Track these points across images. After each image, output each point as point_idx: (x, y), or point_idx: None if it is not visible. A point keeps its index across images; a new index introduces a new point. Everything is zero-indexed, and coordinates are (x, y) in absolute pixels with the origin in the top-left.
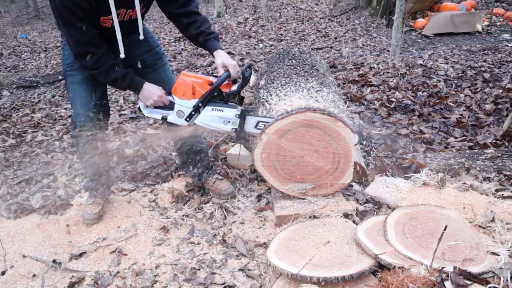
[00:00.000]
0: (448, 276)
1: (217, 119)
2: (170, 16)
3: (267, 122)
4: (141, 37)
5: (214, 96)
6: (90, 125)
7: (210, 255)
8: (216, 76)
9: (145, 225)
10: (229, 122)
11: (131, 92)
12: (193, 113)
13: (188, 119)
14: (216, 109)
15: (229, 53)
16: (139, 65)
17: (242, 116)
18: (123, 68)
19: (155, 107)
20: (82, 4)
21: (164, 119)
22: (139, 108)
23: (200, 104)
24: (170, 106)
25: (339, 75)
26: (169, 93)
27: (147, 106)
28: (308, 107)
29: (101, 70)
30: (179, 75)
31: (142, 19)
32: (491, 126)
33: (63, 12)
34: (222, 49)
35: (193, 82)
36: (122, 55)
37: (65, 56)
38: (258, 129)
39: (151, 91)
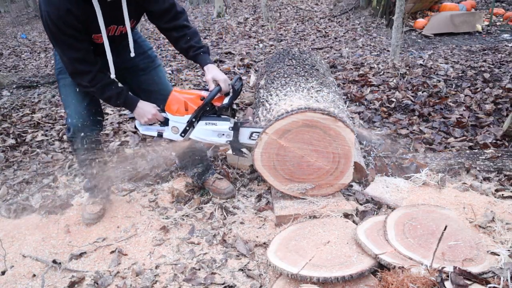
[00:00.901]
0: (448, 276)
1: (211, 133)
2: (161, 30)
3: (259, 133)
4: (132, 54)
5: (207, 111)
6: (84, 127)
7: (210, 255)
8: (207, 90)
9: (145, 225)
10: (223, 134)
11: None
12: (187, 128)
13: (183, 135)
14: (209, 123)
15: (229, 53)
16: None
17: (236, 128)
18: (118, 86)
19: (150, 124)
20: (74, 24)
21: (160, 135)
22: (135, 126)
23: (194, 119)
24: (165, 122)
25: (339, 75)
26: (162, 109)
27: (142, 124)
28: (308, 107)
29: (96, 88)
30: (171, 92)
31: (132, 31)
32: (491, 126)
33: (55, 32)
34: (212, 63)
35: (185, 98)
36: (112, 75)
37: (57, 60)
38: (253, 139)
39: (145, 109)
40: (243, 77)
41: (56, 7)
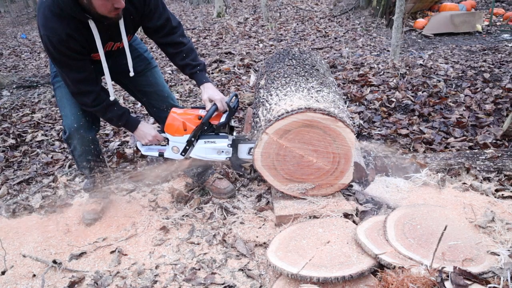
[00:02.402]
0: (448, 276)
1: (211, 151)
2: (157, 44)
3: None
4: (131, 74)
5: (205, 129)
6: (79, 128)
7: (210, 255)
8: (204, 108)
9: (145, 225)
10: (222, 152)
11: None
12: (187, 147)
13: (183, 154)
14: (208, 141)
15: (229, 53)
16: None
17: (234, 145)
18: (120, 107)
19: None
20: (75, 47)
21: (161, 155)
22: (136, 147)
23: (193, 139)
24: (165, 141)
25: (339, 75)
26: (162, 129)
27: (143, 145)
28: (309, 107)
29: (99, 108)
30: (170, 113)
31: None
32: (491, 126)
33: (56, 55)
34: (209, 81)
35: (183, 119)
36: (111, 98)
37: (52, 65)
38: (251, 154)
39: (146, 131)
40: (243, 77)
41: (56, 32)
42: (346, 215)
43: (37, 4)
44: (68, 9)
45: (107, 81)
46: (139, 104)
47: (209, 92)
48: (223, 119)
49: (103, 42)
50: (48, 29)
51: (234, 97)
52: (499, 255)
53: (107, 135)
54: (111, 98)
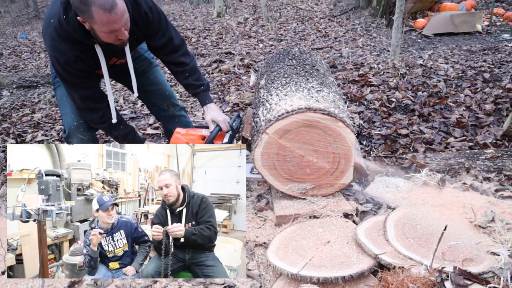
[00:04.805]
0: (448, 276)
1: None
2: (161, 60)
3: None
4: (136, 95)
5: None
6: (79, 127)
7: None
8: (207, 127)
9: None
10: None
11: (131, 92)
12: None
13: None
14: None
15: (229, 53)
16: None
17: None
18: (126, 126)
19: None
20: (83, 67)
21: None
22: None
23: None
24: None
25: (339, 75)
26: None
27: None
28: (309, 107)
29: (106, 125)
30: (174, 133)
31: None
32: (491, 126)
33: (65, 75)
34: (212, 102)
35: (187, 139)
36: (114, 120)
37: (53, 66)
38: (254, 173)
39: None
40: (243, 77)
41: (63, 53)
42: (346, 215)
43: (43, 22)
44: (75, 34)
45: (110, 102)
46: (139, 104)
47: (212, 113)
48: (226, 139)
49: (107, 59)
50: (56, 50)
51: (237, 117)
52: (499, 255)
53: (106, 134)
54: (114, 120)
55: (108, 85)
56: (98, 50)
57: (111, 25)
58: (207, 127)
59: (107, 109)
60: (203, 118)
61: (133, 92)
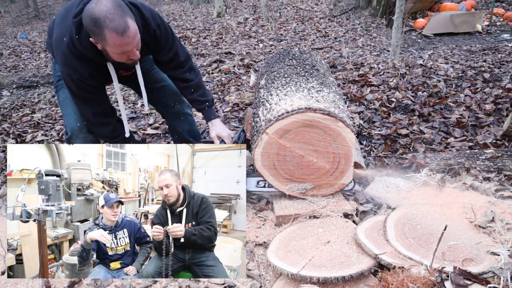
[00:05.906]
0: (448, 276)
1: None
2: (168, 76)
3: (265, 181)
4: (146, 108)
5: None
6: (82, 128)
7: None
8: (212, 142)
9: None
10: None
11: (131, 92)
12: None
13: None
14: None
15: (229, 53)
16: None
17: None
18: (135, 141)
19: None
20: (95, 84)
21: None
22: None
23: None
24: None
25: (339, 75)
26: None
27: None
28: (309, 107)
29: (118, 139)
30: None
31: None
32: (491, 126)
33: (78, 92)
34: (216, 117)
35: None
36: (127, 134)
37: (56, 70)
38: (259, 186)
39: None
40: (243, 77)
41: (77, 71)
42: (346, 215)
43: (54, 37)
44: (88, 53)
45: (123, 118)
46: (139, 104)
47: (217, 129)
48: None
49: (116, 71)
50: (69, 68)
51: (241, 133)
52: (499, 255)
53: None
54: (127, 134)
55: (120, 101)
56: (110, 68)
57: (124, 47)
58: (212, 142)
59: (117, 124)
60: (206, 123)
61: (141, 97)
